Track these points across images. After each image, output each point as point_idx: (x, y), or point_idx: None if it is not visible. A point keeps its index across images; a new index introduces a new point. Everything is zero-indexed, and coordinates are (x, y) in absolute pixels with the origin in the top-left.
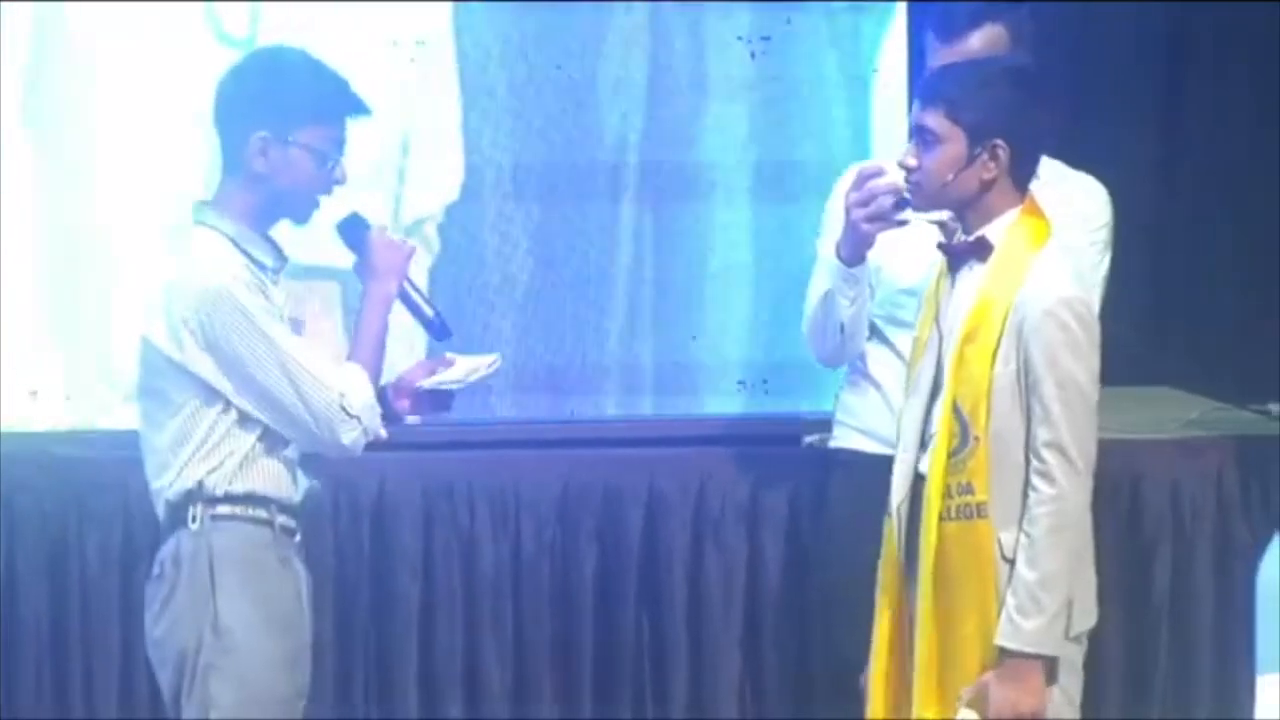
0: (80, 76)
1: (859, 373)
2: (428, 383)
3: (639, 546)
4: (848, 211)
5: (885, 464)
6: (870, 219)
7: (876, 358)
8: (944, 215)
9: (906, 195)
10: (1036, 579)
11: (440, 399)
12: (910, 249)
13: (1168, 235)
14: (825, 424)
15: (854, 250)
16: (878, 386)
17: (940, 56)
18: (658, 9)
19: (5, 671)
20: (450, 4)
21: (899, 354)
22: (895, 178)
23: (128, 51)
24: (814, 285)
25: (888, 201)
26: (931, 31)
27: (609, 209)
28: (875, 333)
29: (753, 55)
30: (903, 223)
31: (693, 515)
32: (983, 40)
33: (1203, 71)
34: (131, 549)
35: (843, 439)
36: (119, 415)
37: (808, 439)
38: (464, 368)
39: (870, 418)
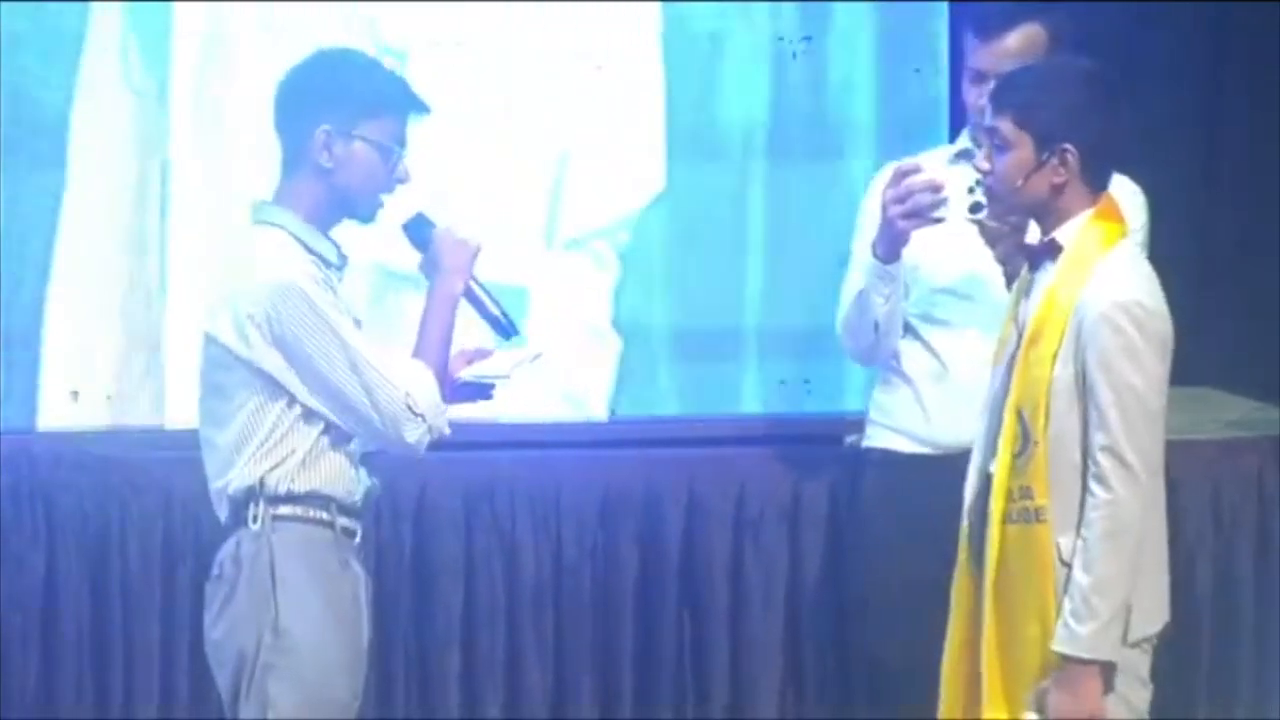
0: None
1: (893, 371)
2: (467, 374)
3: (679, 548)
4: (884, 209)
5: (918, 463)
6: (907, 216)
7: (911, 356)
8: (980, 215)
9: (982, 199)
10: (1090, 584)
11: (481, 390)
12: (947, 248)
13: (1209, 235)
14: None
15: (890, 247)
16: (911, 385)
17: (978, 56)
18: None
19: (47, 671)
20: (659, 15)
21: (934, 352)
22: (932, 175)
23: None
24: (848, 284)
25: (925, 199)
26: (970, 30)
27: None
28: (910, 331)
29: (794, 55)
30: (939, 220)
31: (733, 517)
32: (1020, 40)
33: (1242, 70)
34: (172, 549)
35: (875, 438)
36: (160, 416)
37: (848, 439)
38: (506, 361)
39: (903, 417)
